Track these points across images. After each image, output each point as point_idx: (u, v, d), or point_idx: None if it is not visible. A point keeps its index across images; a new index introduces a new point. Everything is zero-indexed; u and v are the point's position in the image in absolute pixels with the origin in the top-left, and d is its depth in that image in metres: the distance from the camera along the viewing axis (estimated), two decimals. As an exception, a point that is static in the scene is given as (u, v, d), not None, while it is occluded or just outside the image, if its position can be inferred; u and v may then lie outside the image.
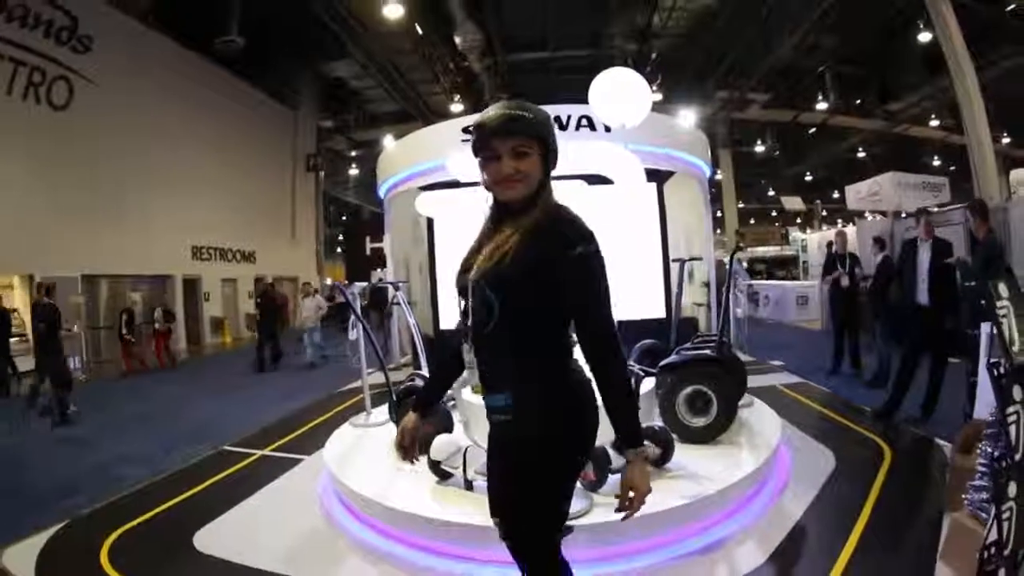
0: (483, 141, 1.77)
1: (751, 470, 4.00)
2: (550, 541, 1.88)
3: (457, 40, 19.88)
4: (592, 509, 3.42)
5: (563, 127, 7.56)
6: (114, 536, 4.10)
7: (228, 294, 19.31)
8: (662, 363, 4.73)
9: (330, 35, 18.68)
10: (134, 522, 4.38)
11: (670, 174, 9.47)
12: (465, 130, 7.11)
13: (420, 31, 18.86)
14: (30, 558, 3.76)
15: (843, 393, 7.18)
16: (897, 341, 6.97)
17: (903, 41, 18.28)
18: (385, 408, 5.59)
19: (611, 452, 3.75)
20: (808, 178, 32.21)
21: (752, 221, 39.77)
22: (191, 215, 17.53)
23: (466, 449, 3.90)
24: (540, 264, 1.69)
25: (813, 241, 16.89)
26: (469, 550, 3.26)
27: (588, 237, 1.70)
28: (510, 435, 1.87)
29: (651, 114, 8.03)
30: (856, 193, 16.01)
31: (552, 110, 7.67)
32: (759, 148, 27.10)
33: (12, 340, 11.63)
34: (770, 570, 3.18)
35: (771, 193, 34.59)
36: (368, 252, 22.68)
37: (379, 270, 12.36)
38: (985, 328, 4.31)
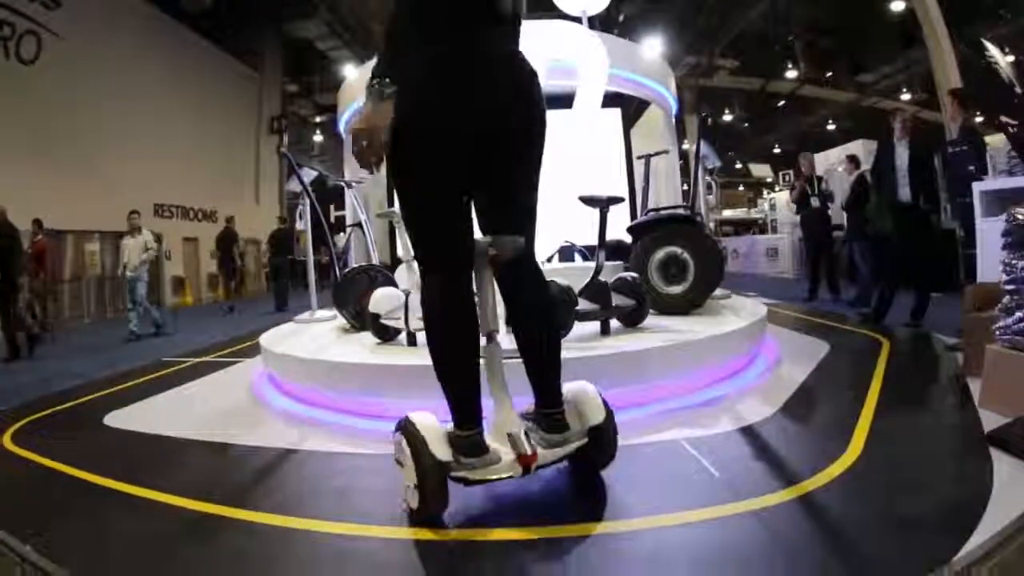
0: None
1: (741, 326, 3.72)
2: None
3: (426, -1, 19.43)
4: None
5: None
6: (22, 422, 3.71)
7: (189, 253, 18.63)
8: (629, 225, 4.38)
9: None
10: (45, 411, 4.03)
11: (635, 104, 9.17)
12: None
13: (388, -13, 18.40)
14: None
15: (825, 308, 6.93)
16: (876, 258, 6.74)
17: (876, 12, 18.20)
18: (331, 309, 5.29)
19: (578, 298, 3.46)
20: (776, 150, 32.14)
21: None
22: (153, 173, 17.00)
23: (407, 297, 3.53)
24: None
25: (781, 199, 16.76)
26: (415, 400, 2.67)
27: None
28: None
29: (615, 38, 7.70)
30: (826, 159, 15.88)
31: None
32: (727, 117, 27.01)
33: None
34: (782, 419, 2.84)
35: (738, 166, 34.54)
36: (332, 220, 22.18)
37: (340, 234, 11.79)
38: (977, 187, 4.09)
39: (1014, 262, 2.79)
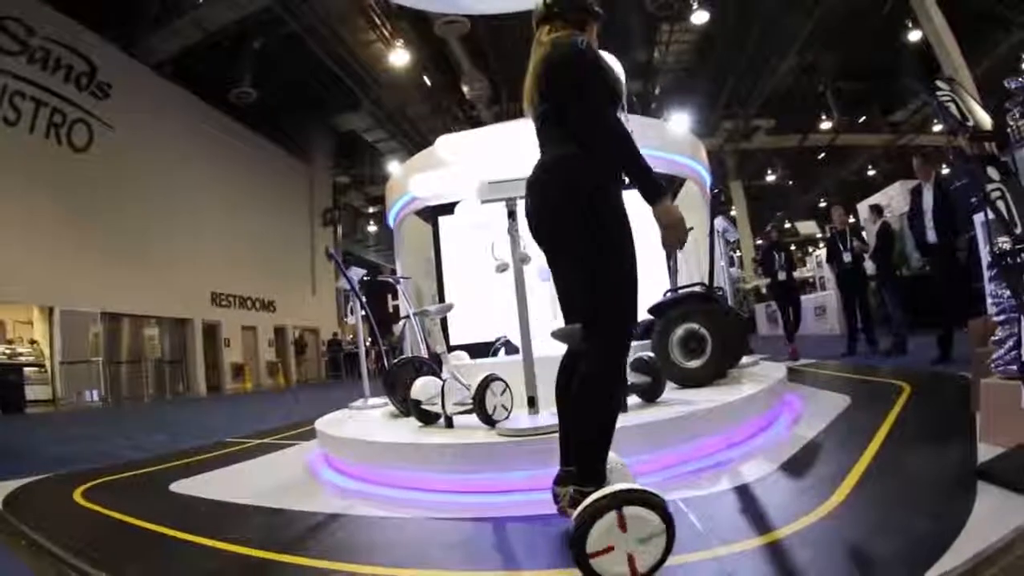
0: None
1: (750, 393, 3.91)
2: None
3: (464, 89, 20.22)
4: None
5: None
6: (91, 484, 4.26)
7: (248, 341, 19.56)
8: (650, 306, 4.66)
9: (341, 86, 19.18)
10: (114, 476, 4.59)
11: (673, 182, 9.45)
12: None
13: (428, 82, 19.33)
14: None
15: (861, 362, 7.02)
16: (904, 304, 6.88)
17: (896, 46, 18.45)
18: (382, 397, 5.55)
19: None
20: (822, 204, 31.92)
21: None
22: (209, 262, 17.87)
23: (443, 384, 3.85)
24: None
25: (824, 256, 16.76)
26: (451, 474, 3.25)
27: None
28: None
29: (637, 117, 8.09)
30: (867, 208, 15.90)
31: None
32: (770, 178, 27.15)
33: (30, 369, 11.74)
34: (780, 475, 3.00)
35: (788, 225, 34.43)
36: (390, 310, 22.80)
37: (395, 325, 12.08)
38: (979, 218, 4.25)
39: (1000, 293, 2.92)
